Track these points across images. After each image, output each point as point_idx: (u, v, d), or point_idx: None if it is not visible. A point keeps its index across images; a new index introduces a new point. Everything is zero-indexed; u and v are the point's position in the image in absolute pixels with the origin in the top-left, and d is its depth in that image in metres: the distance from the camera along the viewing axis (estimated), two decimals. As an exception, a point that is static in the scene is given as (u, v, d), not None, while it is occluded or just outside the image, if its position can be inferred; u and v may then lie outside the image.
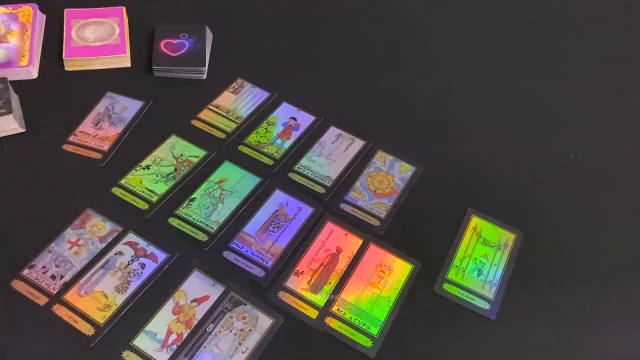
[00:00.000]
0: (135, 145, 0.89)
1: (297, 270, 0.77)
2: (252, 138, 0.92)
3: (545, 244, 0.84)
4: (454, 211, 0.86)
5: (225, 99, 0.97)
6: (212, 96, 0.97)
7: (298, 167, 0.89)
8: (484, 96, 1.04)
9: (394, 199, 0.87)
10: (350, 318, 0.74)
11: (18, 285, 0.72)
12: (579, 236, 0.85)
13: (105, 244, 0.77)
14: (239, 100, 0.97)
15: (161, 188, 0.84)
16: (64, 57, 0.97)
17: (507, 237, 0.84)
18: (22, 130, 0.88)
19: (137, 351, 0.68)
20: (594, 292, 0.79)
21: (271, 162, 0.89)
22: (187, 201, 0.83)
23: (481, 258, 0.81)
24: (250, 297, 0.74)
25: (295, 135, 0.93)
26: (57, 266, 0.74)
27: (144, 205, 0.82)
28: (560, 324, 0.76)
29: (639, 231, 0.87)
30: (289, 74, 1.04)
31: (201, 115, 0.94)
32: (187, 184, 0.85)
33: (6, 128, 0.86)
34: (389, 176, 0.89)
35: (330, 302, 0.75)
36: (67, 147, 0.87)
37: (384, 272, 0.78)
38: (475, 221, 0.85)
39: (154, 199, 0.83)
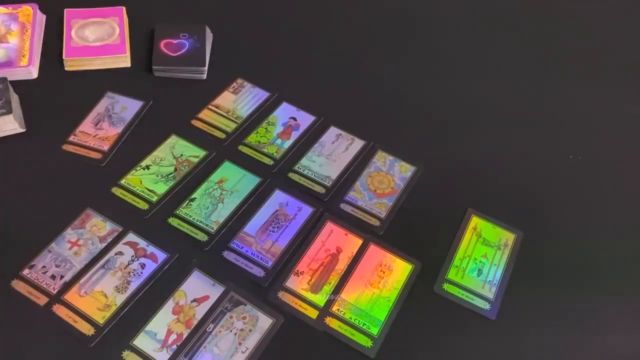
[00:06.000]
0: (135, 145, 0.89)
1: (297, 270, 0.77)
2: (252, 138, 0.92)
3: (545, 244, 0.84)
4: (454, 211, 0.86)
5: (225, 99, 0.97)
6: (212, 96, 0.97)
7: (298, 167, 0.89)
8: (484, 96, 1.04)
9: (394, 199, 0.86)
10: (350, 318, 0.74)
11: (18, 285, 0.72)
12: (579, 236, 0.85)
13: (105, 244, 0.77)
14: (239, 100, 0.97)
15: (161, 188, 0.84)
16: (64, 57, 0.97)
17: (507, 237, 0.84)
18: (22, 130, 0.88)
19: (137, 351, 0.68)
20: (594, 292, 0.79)
21: (271, 162, 0.89)
22: (187, 201, 0.83)
23: (481, 258, 0.81)
24: (250, 297, 0.74)
25: (295, 135, 0.93)
26: (57, 266, 0.74)
27: (144, 205, 0.82)
28: (560, 324, 0.76)
29: (639, 231, 0.87)
30: (289, 74, 1.03)
31: (201, 115, 0.94)
32: (187, 184, 0.85)
33: (6, 128, 0.86)
34: (389, 176, 0.89)
35: (330, 302, 0.75)
36: (67, 147, 0.87)
37: (384, 272, 0.78)
38: (475, 221, 0.85)
39: (154, 199, 0.83)
